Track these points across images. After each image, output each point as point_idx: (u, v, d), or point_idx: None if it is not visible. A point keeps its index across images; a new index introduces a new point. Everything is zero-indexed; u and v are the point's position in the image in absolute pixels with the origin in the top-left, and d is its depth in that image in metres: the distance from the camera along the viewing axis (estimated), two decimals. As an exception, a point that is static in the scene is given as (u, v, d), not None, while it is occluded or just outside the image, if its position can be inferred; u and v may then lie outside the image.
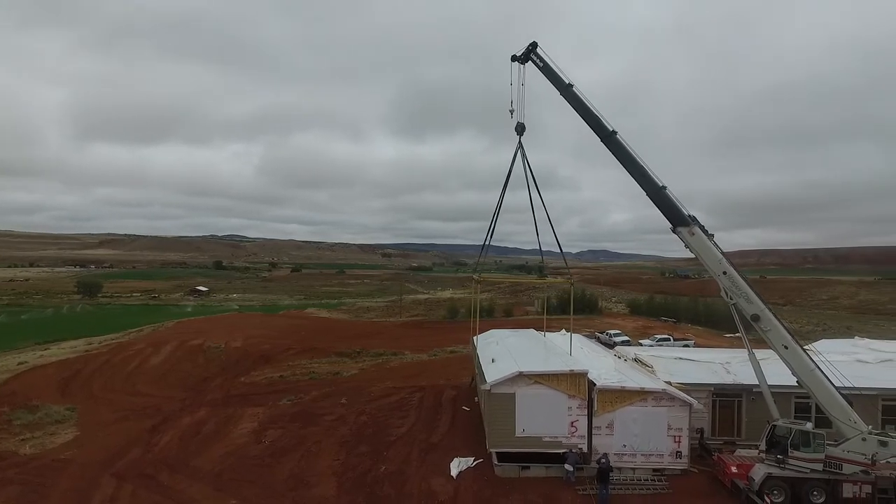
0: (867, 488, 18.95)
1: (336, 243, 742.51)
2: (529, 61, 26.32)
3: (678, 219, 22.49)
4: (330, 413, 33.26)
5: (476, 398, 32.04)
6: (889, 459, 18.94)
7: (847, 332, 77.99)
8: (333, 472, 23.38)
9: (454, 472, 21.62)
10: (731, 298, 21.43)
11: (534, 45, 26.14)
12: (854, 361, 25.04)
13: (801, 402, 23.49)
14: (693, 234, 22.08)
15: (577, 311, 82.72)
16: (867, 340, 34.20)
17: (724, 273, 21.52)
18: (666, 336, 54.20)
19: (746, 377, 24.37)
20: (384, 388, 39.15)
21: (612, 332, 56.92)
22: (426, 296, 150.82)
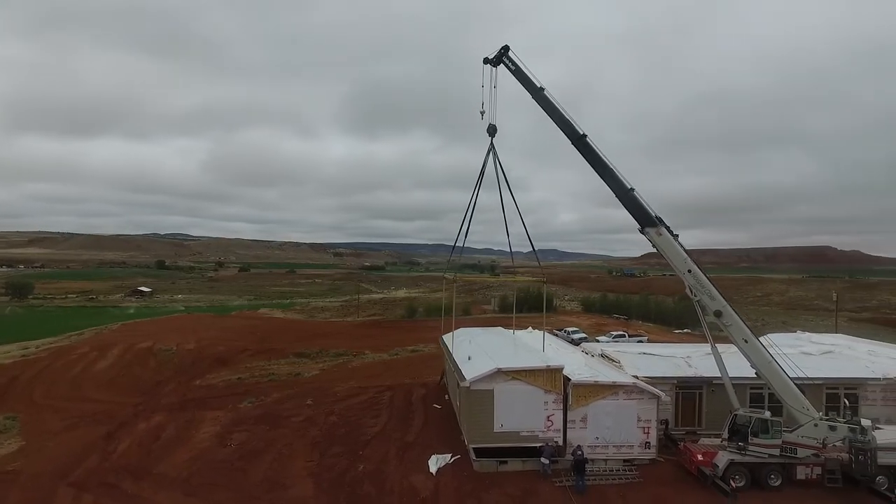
0: (818, 470, 20.50)
1: (285, 242, 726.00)
2: (501, 64, 26.70)
3: (646, 219, 23.40)
4: (296, 414, 32.78)
5: (446, 396, 32.35)
6: (836, 443, 20.51)
7: (783, 327, 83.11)
8: (309, 474, 23.12)
9: (433, 469, 21.82)
10: (695, 295, 22.53)
11: (506, 49, 26.51)
12: (799, 353, 26.80)
13: (756, 393, 25.01)
14: (660, 234, 23.08)
15: (533, 309, 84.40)
16: (808, 334, 36.70)
17: (689, 271, 22.62)
18: (621, 332, 56.23)
19: (707, 370, 25.74)
20: (349, 389, 38.86)
21: (570, 329, 58.53)
22: (381, 295, 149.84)
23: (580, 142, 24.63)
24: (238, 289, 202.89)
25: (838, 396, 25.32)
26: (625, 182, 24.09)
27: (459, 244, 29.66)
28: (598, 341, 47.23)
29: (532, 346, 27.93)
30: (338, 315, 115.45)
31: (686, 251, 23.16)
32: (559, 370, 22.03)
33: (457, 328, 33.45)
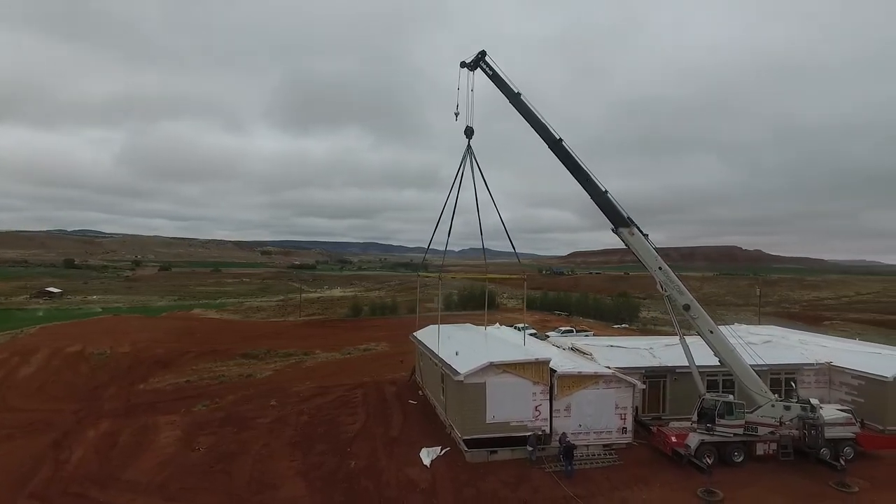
0: (773, 446, 22.90)
1: (209, 240, 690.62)
2: (478, 68, 27.29)
3: (619, 220, 24.88)
4: (262, 416, 32.12)
5: (420, 392, 32.80)
6: (789, 420, 22.97)
7: (720, 320, 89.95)
8: (297, 473, 22.88)
9: (426, 462, 22.28)
10: (665, 291, 24.33)
11: (483, 54, 27.02)
12: (744, 343, 29.54)
13: (711, 380, 27.36)
14: (633, 234, 24.66)
15: (476, 306, 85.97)
16: (746, 326, 40.21)
17: (660, 268, 24.38)
18: (569, 328, 58.75)
19: (670, 360, 27.88)
20: (311, 388, 38.41)
21: (520, 325, 60.36)
22: (319, 294, 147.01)
23: (557, 146, 25.68)
24: (159, 289, 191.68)
25: (780, 381, 28.19)
26: (599, 185, 25.46)
27: (433, 246, 30.00)
28: (548, 337, 49.16)
29: (510, 341, 28.97)
30: (275, 315, 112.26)
31: (656, 250, 24.94)
32: (546, 363, 23.18)
33: (433, 325, 34.07)
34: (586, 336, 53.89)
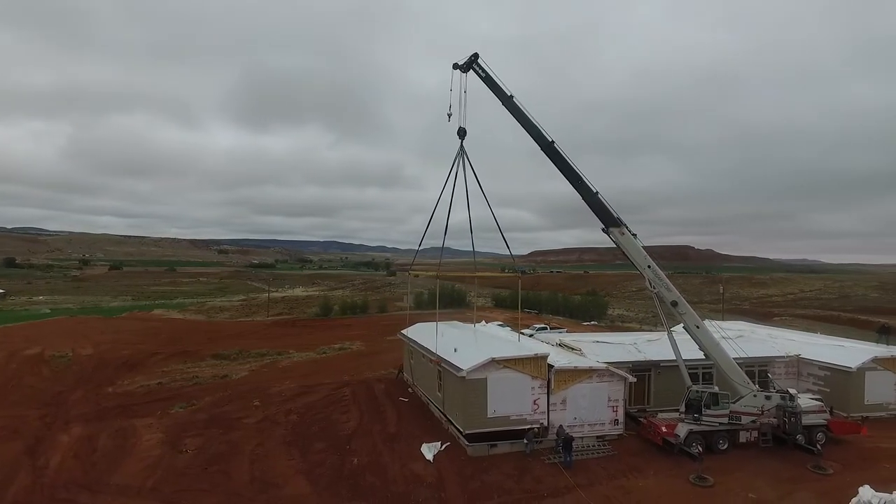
0: (755, 434, 24.33)
1: (162, 238, 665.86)
2: (471, 70, 27.67)
3: (609, 220, 25.79)
4: (247, 416, 31.73)
5: (409, 389, 33.05)
6: (769, 409, 24.42)
7: (668, 319, 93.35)
8: (298, 471, 22.80)
9: (429, 457, 22.61)
10: (654, 288, 25.43)
11: (476, 56, 27.39)
12: (719, 339, 31.09)
13: (692, 373, 28.60)
14: (623, 233, 25.63)
15: (446, 305, 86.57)
16: (715, 322, 42.05)
17: (649, 267, 25.48)
18: (543, 326, 59.92)
19: (654, 354, 29.11)
20: (293, 388, 38.02)
21: (496, 322, 61.25)
22: (284, 294, 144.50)
23: (549, 148, 26.35)
24: (111, 289, 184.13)
25: (754, 373, 29.82)
26: (591, 186, 26.28)
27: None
28: (522, 334, 50.00)
29: (502, 337, 29.60)
30: (240, 315, 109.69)
31: (644, 249, 26.02)
32: (545, 358, 23.89)
33: (421, 323, 34.37)
34: (559, 333, 55.12)
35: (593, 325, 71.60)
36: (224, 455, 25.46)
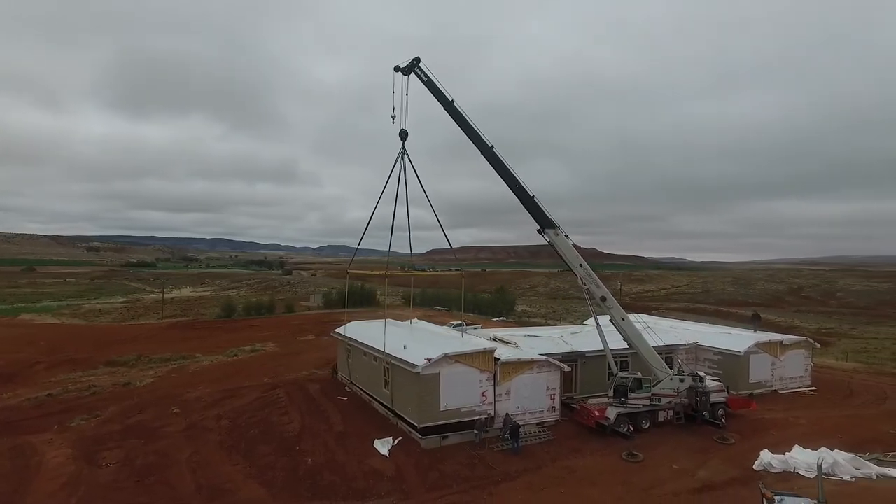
0: (670, 413, 27.47)
1: (17, 234, 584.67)
2: (413, 74, 28.11)
3: (545, 222, 27.60)
4: (168, 424, 29.99)
5: (347, 388, 32.93)
6: (683, 391, 27.65)
7: (567, 314, 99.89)
8: (248, 476, 22.13)
9: (384, 452, 22.97)
10: (585, 285, 27.67)
11: (417, 60, 27.87)
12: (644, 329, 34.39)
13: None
14: (557, 234, 27.60)
15: (355, 304, 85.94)
16: (634, 315, 46.23)
17: (581, 265, 27.69)
18: (460, 322, 61.66)
19: (580, 346, 31.63)
20: (213, 393, 36.27)
21: (412, 320, 62.01)
22: (172, 295, 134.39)
23: (489, 153, 27.66)
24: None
25: (663, 359, 33.41)
26: (528, 190, 27.94)
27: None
28: (465, 331, 51.28)
29: (442, 334, 30.60)
30: (125, 318, 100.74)
31: (577, 249, 28.26)
32: (492, 352, 25.21)
33: (354, 322, 34.34)
34: (475, 328, 57.19)
35: (502, 320, 74.91)
36: (156, 466, 24.00)
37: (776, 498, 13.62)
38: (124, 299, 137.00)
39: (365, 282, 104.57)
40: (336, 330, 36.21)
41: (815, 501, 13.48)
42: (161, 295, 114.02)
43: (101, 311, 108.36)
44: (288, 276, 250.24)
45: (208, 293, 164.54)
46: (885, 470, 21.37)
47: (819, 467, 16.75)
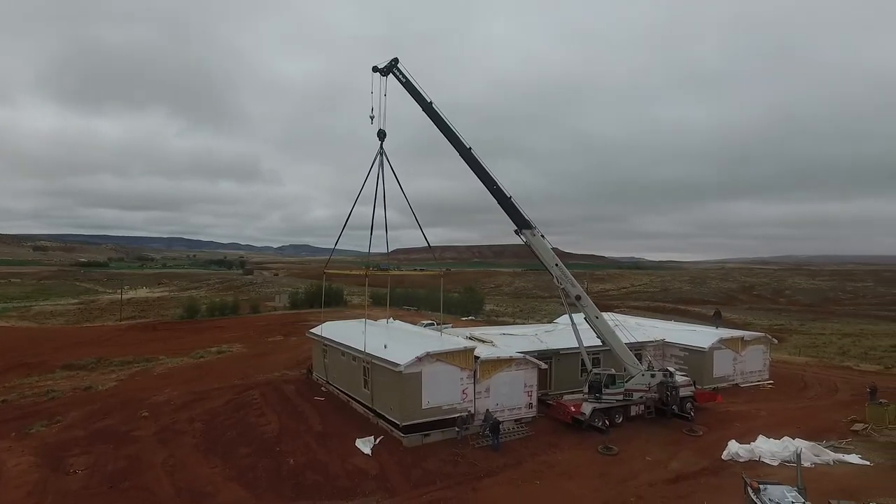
0: (642, 407, 28.48)
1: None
2: (391, 75, 28.16)
3: (522, 222, 28.18)
4: (137, 428, 29.24)
5: (323, 388, 32.75)
6: (653, 386, 28.69)
7: (533, 313, 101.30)
8: (228, 478, 21.85)
9: (367, 451, 23.05)
10: (560, 284, 28.42)
11: (395, 61, 27.95)
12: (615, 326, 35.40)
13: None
14: (534, 235, 28.25)
15: (325, 304, 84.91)
16: (605, 314, 47.46)
17: (557, 265, 28.43)
18: (431, 322, 61.91)
19: (554, 344, 32.37)
20: (182, 396, 35.46)
21: (388, 319, 61.84)
22: (127, 295, 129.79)
23: (467, 154, 28.03)
24: None
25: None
26: (505, 191, 28.42)
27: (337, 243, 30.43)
28: (439, 329, 51.48)
29: (420, 333, 30.82)
30: (80, 320, 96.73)
31: (553, 249, 28.94)
32: (472, 350, 25.60)
33: (329, 322, 34.16)
34: (445, 327, 57.55)
35: (471, 319, 75.53)
36: (130, 470, 23.43)
37: (761, 487, 14.48)
38: (77, 300, 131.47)
39: (332, 282, 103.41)
40: (311, 330, 35.93)
41: (796, 488, 14.40)
42: (119, 295, 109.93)
43: (53, 313, 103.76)
44: (249, 276, 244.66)
45: (167, 293, 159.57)
46: (840, 456, 22.85)
47: (798, 456, 17.88)
